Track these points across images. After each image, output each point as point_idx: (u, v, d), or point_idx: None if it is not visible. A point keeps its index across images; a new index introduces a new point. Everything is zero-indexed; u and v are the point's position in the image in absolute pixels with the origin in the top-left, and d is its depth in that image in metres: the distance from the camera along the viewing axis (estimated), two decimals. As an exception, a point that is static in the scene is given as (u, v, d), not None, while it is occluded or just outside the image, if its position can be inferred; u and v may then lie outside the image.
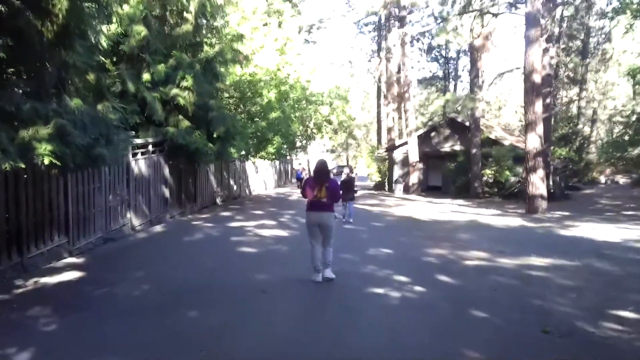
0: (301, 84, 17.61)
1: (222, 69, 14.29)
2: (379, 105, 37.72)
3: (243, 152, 15.97)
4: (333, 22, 30.31)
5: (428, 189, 28.33)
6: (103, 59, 9.52)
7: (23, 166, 5.41)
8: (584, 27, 27.53)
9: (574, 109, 31.07)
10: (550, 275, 7.05)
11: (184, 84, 13.01)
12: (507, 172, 22.64)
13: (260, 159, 19.32)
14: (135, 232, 11.10)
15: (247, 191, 25.19)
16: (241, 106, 17.73)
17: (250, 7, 17.83)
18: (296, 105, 18.10)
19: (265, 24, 18.93)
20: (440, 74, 43.10)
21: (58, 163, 5.60)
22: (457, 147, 26.85)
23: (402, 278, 6.73)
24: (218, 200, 19.31)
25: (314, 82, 18.54)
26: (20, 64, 6.18)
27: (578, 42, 29.92)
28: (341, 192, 8.20)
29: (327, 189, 6.54)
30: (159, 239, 10.52)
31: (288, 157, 27.62)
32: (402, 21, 24.59)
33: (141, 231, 11.31)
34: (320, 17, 23.96)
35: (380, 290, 6.05)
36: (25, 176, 7.00)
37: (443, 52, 41.96)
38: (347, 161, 63.68)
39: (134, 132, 11.64)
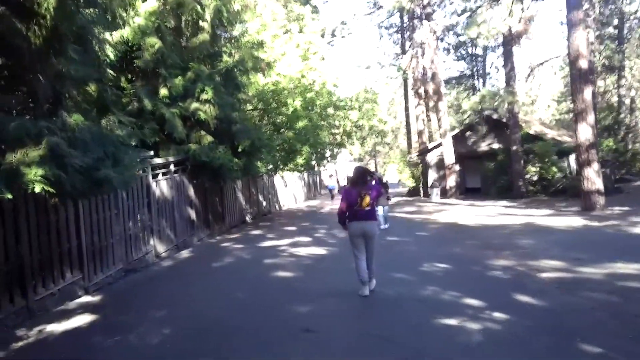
0: (327, 90, 16.58)
1: (243, 79, 13.38)
2: (407, 108, 36.39)
3: (270, 166, 14.99)
4: (356, 23, 29.03)
5: (466, 191, 26.86)
6: (112, 72, 8.69)
7: (10, 196, 4.48)
8: (618, 11, 25.82)
9: (613, 98, 29.25)
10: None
11: (204, 96, 12.12)
12: (554, 168, 21.10)
13: (289, 171, 18.30)
14: (159, 259, 10.16)
15: (277, 206, 24.21)
16: (266, 117, 16.81)
17: (269, 14, 16.95)
18: (324, 113, 17.07)
19: (286, 31, 18.03)
20: (467, 72, 41.63)
21: (51, 190, 4.64)
22: (495, 146, 25.38)
23: (474, 302, 5.54)
24: (247, 218, 18.36)
25: (341, 87, 17.53)
26: (8, 76, 5.29)
27: (610, 29, 28.15)
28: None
29: (370, 196, 6.22)
30: (185, 267, 9.53)
31: (316, 169, 26.50)
32: (429, 17, 23.36)
33: (166, 258, 10.36)
34: (342, 18, 23.10)
35: (453, 322, 4.88)
36: (27, 206, 6.09)
37: (469, 50, 40.56)
38: (376, 168, 62.37)
39: (152, 152, 10.76)
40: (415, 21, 26.74)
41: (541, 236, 10.41)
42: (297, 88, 16.32)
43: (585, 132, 14.26)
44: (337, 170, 57.68)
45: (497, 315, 5.02)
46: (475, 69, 40.97)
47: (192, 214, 13.04)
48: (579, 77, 14.24)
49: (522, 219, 13.70)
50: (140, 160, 8.72)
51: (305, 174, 31.83)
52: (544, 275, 6.80)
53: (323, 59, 17.13)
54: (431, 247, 9.96)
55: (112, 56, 7.10)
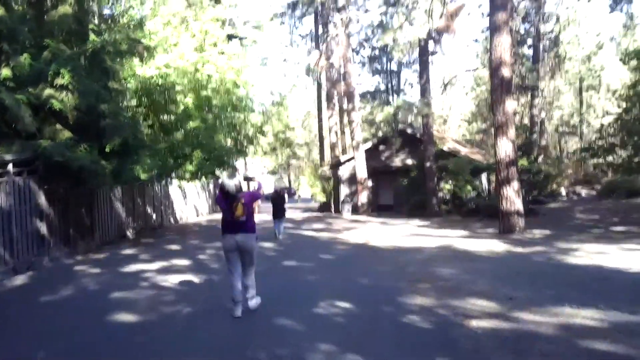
0: (225, 87, 14.39)
1: (116, 64, 10.92)
2: (319, 118, 34.79)
3: (154, 172, 12.58)
4: (267, 22, 26.81)
5: (379, 208, 25.56)
6: None
7: None
8: (535, 29, 25.90)
9: (524, 119, 29.43)
10: (631, 350, 4.17)
11: (59, 81, 9.62)
12: (468, 187, 20.23)
13: (179, 179, 15.85)
14: (-28, 290, 7.50)
15: (171, 219, 21.53)
16: (151, 116, 14.33)
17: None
18: (222, 114, 14.85)
19: (182, 21, 15.70)
20: (382, 87, 41.00)
21: None
22: (409, 162, 24.36)
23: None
24: (129, 233, 15.66)
25: (244, 85, 15.36)
26: None
27: (524, 48, 28.24)
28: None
29: (243, 205, 5.48)
30: (2, 303, 6.97)
31: (219, 179, 24.08)
32: (341, 10, 21.56)
33: (-15, 288, 7.70)
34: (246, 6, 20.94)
35: None
36: None
37: (385, 66, 39.96)
38: (290, 183, 60.60)
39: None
40: (331, 10, 24.81)
41: (461, 263, 8.87)
42: (189, 83, 14.01)
43: (505, 147, 13.17)
44: (250, 181, 55.31)
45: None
46: (390, 84, 40.44)
47: (43, 227, 10.36)
48: (500, 87, 13.16)
49: (438, 241, 12.27)
50: None
51: (211, 186, 29.26)
52: (475, 323, 5.08)
53: (222, 53, 14.91)
54: (334, 277, 8.06)
55: None
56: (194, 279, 7.94)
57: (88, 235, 12.66)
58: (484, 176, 23.61)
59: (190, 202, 25.57)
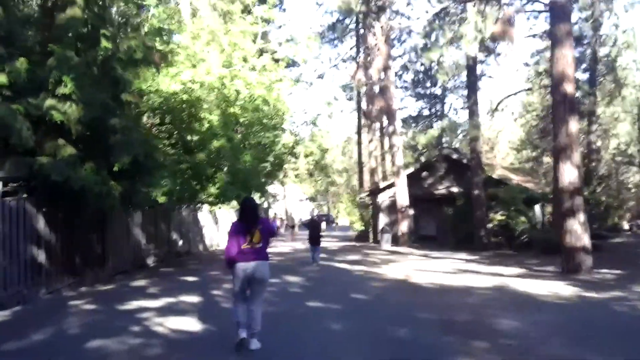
0: (255, 104, 13.21)
1: (128, 74, 9.88)
2: (359, 137, 33.20)
3: (175, 195, 11.48)
4: (297, 25, 25.64)
5: (420, 239, 23.70)
6: None
7: None
8: (591, 50, 23.93)
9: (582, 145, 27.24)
10: None
11: (62, 90, 8.60)
12: (522, 218, 18.27)
13: (202, 204, 14.71)
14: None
15: (200, 247, 20.43)
16: (175, 134, 13.31)
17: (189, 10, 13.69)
18: (251, 133, 13.67)
19: (212, 39, 14.73)
20: (425, 112, 39.39)
21: None
22: (454, 189, 22.55)
23: None
24: (150, 261, 14.55)
25: (275, 103, 14.17)
26: None
27: (580, 72, 26.15)
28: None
29: (261, 232, 5.33)
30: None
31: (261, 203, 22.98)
32: (379, 15, 19.87)
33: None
34: (282, 21, 19.77)
35: None
36: None
37: (428, 91, 38.37)
38: (328, 210, 59.18)
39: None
40: (370, 19, 23.26)
41: (524, 312, 7.18)
42: (216, 99, 12.93)
43: (569, 174, 11.38)
44: (288, 209, 54.15)
45: None
46: (433, 109, 38.79)
47: (41, 255, 9.25)
48: (563, 104, 11.48)
49: (490, 280, 10.54)
50: None
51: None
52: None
53: (254, 68, 13.80)
54: (365, 325, 6.52)
55: None
56: (195, 324, 6.54)
57: (99, 264, 11.55)
58: (537, 207, 21.59)
59: (222, 228, 24.51)
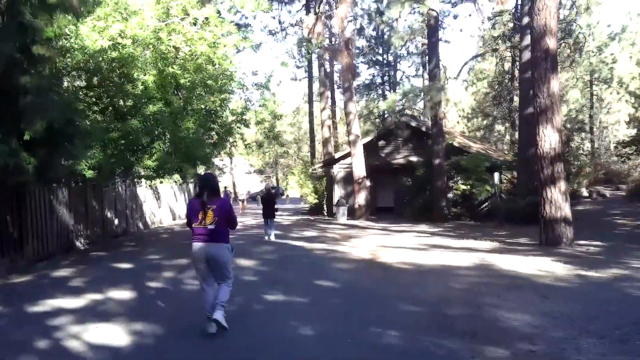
0: (197, 64, 11.39)
1: (39, 21, 7.93)
2: (310, 106, 31.72)
3: (101, 170, 9.65)
4: None
5: (377, 211, 22.73)
6: None
7: None
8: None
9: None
10: None
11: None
12: (487, 187, 17.43)
13: (138, 178, 12.87)
14: None
15: (139, 225, 18.52)
16: (104, 99, 11.36)
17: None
18: (191, 96, 11.87)
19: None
20: (378, 80, 38.18)
21: None
22: (413, 159, 21.52)
23: None
24: (79, 244, 12.67)
25: (220, 62, 12.39)
26: None
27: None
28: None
29: (214, 212, 4.88)
30: None
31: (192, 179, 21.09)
32: None
33: None
34: None
35: None
36: None
37: (381, 58, 37.05)
38: (277, 182, 57.58)
39: None
40: None
41: (527, 300, 6.04)
42: (151, 58, 11.04)
43: (551, 138, 10.38)
44: (236, 182, 52.13)
45: None
46: (386, 76, 37.61)
47: None
48: (544, 61, 10.38)
49: (467, 257, 9.45)
50: None
51: (190, 186, 26.34)
52: None
53: (195, 22, 11.94)
54: (342, 326, 5.16)
55: None
56: (123, 337, 4.98)
57: (15, 249, 9.68)
58: (496, 175, 20.92)
59: (165, 204, 22.61)
